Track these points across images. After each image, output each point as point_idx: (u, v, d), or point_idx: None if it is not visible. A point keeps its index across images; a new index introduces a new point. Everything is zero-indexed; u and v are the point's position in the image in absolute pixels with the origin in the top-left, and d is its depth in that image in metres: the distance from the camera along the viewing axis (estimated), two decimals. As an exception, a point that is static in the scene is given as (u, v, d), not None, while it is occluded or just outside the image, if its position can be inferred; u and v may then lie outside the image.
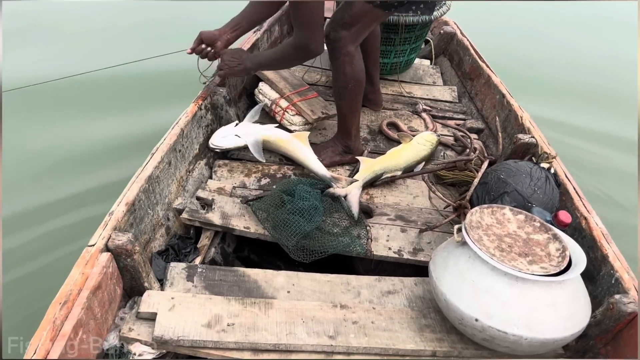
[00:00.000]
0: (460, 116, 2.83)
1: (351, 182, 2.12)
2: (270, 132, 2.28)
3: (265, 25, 2.86)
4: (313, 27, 1.90)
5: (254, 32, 2.70)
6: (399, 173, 2.25)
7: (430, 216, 2.10)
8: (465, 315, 1.48)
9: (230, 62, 2.15)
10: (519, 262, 1.47)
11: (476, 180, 1.90)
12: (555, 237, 1.56)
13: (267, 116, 2.54)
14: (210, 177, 2.19)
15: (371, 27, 2.16)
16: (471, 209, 1.93)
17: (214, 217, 1.92)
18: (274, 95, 2.48)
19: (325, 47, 2.11)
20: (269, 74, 2.54)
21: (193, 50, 2.14)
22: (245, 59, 2.16)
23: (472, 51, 3.04)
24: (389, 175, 2.23)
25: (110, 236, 1.50)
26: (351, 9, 2.03)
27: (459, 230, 1.61)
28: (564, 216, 1.73)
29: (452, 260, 1.57)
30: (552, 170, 2.00)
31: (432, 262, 1.66)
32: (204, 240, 1.90)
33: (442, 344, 1.58)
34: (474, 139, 2.62)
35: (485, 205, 1.68)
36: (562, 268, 1.45)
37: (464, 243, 1.55)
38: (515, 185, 1.88)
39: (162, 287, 1.66)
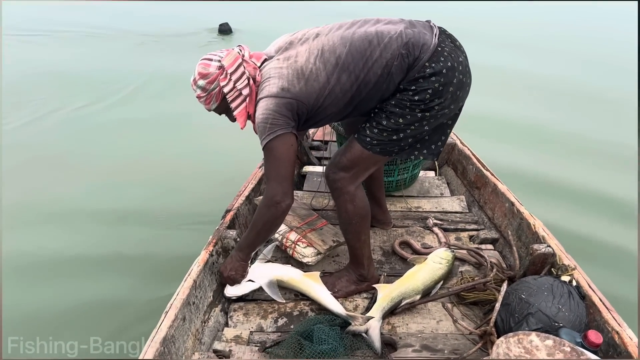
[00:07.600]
0: (473, 226, 2.79)
1: (369, 318, 2.06)
2: (282, 273, 2.27)
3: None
4: (281, 179, 1.91)
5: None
6: (418, 297, 2.19)
7: (457, 342, 2.02)
8: None
9: (229, 276, 2.18)
10: (557, 398, 1.39)
11: (498, 305, 1.84)
12: (590, 364, 1.48)
13: (278, 250, 2.54)
14: (227, 324, 2.15)
15: (371, 169, 2.12)
16: (496, 333, 1.88)
17: (233, 371, 1.86)
18: (283, 228, 2.48)
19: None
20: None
21: None
22: (233, 259, 2.17)
23: (475, 160, 3.06)
24: (408, 300, 2.17)
25: None
26: (350, 152, 2.01)
27: (488, 366, 1.54)
28: (595, 337, 1.65)
29: (485, 402, 1.48)
30: (574, 283, 1.94)
31: (464, 404, 1.57)
32: (224, 398, 1.82)
33: None
34: (490, 249, 2.58)
35: (511, 334, 1.61)
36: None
37: (494, 381, 1.47)
38: (539, 305, 1.82)
39: None
